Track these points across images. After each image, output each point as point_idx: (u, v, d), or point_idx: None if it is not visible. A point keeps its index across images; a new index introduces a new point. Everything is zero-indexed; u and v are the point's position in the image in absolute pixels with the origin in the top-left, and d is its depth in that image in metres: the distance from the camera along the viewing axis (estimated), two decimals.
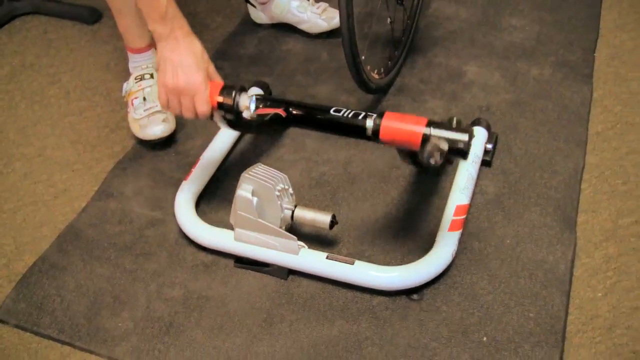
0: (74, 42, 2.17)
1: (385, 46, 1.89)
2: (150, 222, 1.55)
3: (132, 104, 1.76)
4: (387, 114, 1.29)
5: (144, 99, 1.75)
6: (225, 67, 1.98)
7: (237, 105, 1.38)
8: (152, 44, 1.79)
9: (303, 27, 2.06)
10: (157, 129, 1.70)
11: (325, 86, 1.89)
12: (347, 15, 1.51)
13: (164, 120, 1.71)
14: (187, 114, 1.39)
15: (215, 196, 1.60)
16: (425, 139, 1.24)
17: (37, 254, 1.51)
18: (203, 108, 1.37)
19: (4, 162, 1.75)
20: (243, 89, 1.40)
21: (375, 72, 1.77)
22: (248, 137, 1.75)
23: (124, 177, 1.67)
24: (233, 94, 1.37)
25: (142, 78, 1.78)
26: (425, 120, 1.26)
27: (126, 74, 1.98)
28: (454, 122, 1.27)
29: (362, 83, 1.67)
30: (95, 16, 2.27)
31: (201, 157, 1.62)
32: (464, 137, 1.24)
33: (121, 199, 1.61)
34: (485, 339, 1.29)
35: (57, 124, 1.87)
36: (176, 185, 1.59)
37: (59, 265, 1.47)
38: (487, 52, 1.98)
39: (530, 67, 1.92)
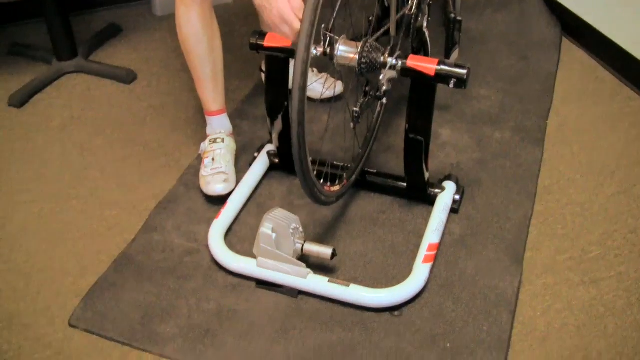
0: (114, 99, 2.58)
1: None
2: (188, 252, 1.95)
3: (204, 162, 2.12)
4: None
5: (213, 159, 2.10)
6: (243, 125, 2.38)
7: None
8: (224, 109, 2.17)
9: (309, 94, 2.45)
10: (219, 187, 2.06)
11: (327, 144, 2.30)
12: (300, 161, 1.63)
13: (224, 181, 2.07)
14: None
15: (240, 232, 2.00)
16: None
17: (98, 275, 1.89)
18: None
19: (64, 200, 2.15)
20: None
21: (337, 183, 1.90)
22: (265, 185, 2.15)
23: (164, 214, 2.06)
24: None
25: (215, 141, 2.14)
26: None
27: (160, 129, 2.40)
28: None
29: (323, 203, 1.81)
30: (131, 77, 2.67)
31: (228, 200, 2.02)
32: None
33: (163, 233, 2.01)
34: (448, 345, 1.69)
35: (105, 169, 2.26)
36: (208, 222, 1.99)
37: (117, 284, 1.86)
38: (459, 118, 2.40)
39: (494, 131, 2.34)
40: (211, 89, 2.13)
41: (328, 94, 2.40)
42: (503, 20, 2.93)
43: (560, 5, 2.87)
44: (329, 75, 2.45)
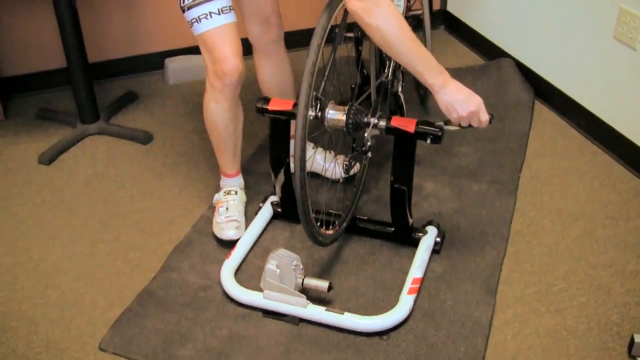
0: (133, 157, 2.87)
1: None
2: (203, 288, 2.21)
3: (218, 211, 2.39)
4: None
5: (227, 208, 2.38)
6: (248, 180, 2.64)
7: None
8: (239, 171, 2.45)
9: (327, 174, 2.58)
10: (231, 232, 2.33)
11: (322, 196, 2.58)
12: (302, 203, 1.90)
13: (236, 227, 2.34)
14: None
15: (248, 271, 2.27)
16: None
17: (123, 307, 2.15)
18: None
19: (90, 244, 2.42)
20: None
21: (331, 228, 2.18)
22: (270, 231, 2.43)
23: (181, 257, 2.33)
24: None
25: (229, 193, 2.43)
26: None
27: (175, 184, 2.69)
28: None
29: (320, 243, 2.10)
30: (148, 138, 2.97)
31: (237, 244, 2.30)
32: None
33: (180, 272, 2.27)
34: None
35: (127, 218, 2.54)
36: (219, 263, 2.25)
37: (140, 314, 2.12)
38: (441, 172, 2.69)
39: (472, 183, 2.63)
40: (231, 158, 2.42)
41: (344, 174, 2.45)
42: (482, 86, 3.24)
43: (533, 73, 3.20)
44: (345, 157, 2.47)
